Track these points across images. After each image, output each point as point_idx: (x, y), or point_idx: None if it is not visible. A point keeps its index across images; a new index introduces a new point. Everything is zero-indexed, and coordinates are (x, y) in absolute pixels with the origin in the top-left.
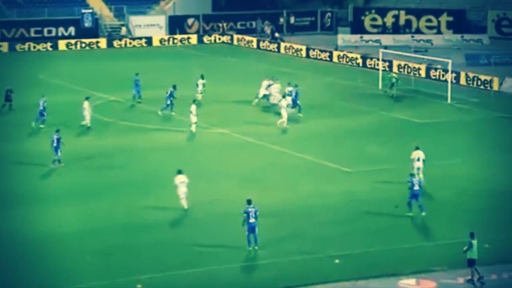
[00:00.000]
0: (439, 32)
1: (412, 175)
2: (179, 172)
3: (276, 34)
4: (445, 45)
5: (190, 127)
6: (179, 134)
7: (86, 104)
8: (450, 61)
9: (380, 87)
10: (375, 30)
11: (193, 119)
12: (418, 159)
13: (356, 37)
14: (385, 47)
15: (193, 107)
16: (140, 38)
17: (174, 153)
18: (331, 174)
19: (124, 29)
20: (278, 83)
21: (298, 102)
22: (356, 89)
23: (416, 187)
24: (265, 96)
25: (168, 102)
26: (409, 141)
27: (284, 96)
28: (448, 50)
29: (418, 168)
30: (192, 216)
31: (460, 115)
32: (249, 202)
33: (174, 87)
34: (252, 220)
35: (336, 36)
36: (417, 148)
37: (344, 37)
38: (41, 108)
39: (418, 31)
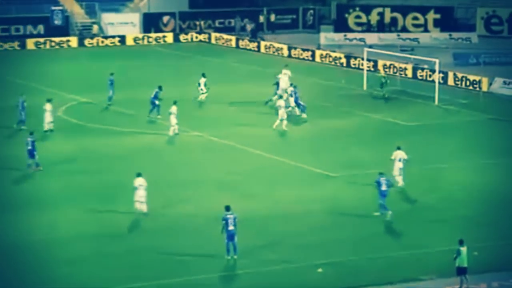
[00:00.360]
0: (426, 30)
1: (381, 174)
2: (138, 175)
3: (262, 39)
4: (432, 44)
5: (168, 130)
6: (156, 137)
7: (48, 106)
8: (437, 60)
9: (365, 87)
10: (359, 28)
11: (173, 121)
12: (400, 160)
13: (340, 35)
14: (370, 46)
15: (174, 109)
16: (113, 37)
17: (148, 158)
18: (314, 179)
19: (96, 27)
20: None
21: (300, 102)
22: (340, 90)
23: (384, 187)
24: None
25: (157, 103)
26: (395, 144)
27: (280, 97)
28: (436, 49)
29: (401, 169)
30: (168, 224)
31: (448, 117)
32: (227, 208)
33: (160, 88)
34: (231, 227)
35: (318, 34)
36: (398, 148)
37: (327, 36)
38: (20, 108)
39: (404, 29)
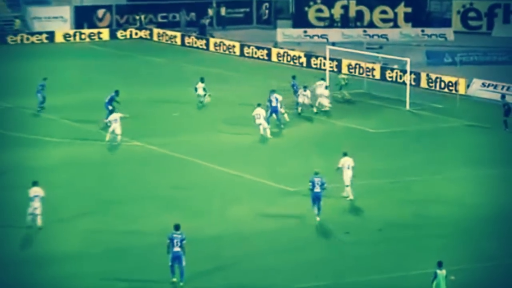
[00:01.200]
0: (395, 25)
1: (316, 174)
2: (34, 183)
3: (211, 36)
4: (402, 41)
5: (111, 139)
6: (92, 147)
7: None
8: (408, 59)
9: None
10: (321, 24)
11: (117, 130)
12: (349, 167)
13: (299, 31)
14: (333, 44)
15: (117, 115)
16: (40, 33)
17: (83, 171)
18: (271, 195)
19: (18, 21)
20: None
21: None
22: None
23: (317, 189)
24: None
25: (110, 108)
26: (362, 154)
27: (259, 105)
28: (406, 47)
29: (349, 177)
30: (109, 246)
31: (421, 123)
32: (176, 227)
33: (117, 92)
34: (176, 248)
35: (275, 30)
36: (345, 155)
37: (284, 32)
38: None
39: (371, 24)
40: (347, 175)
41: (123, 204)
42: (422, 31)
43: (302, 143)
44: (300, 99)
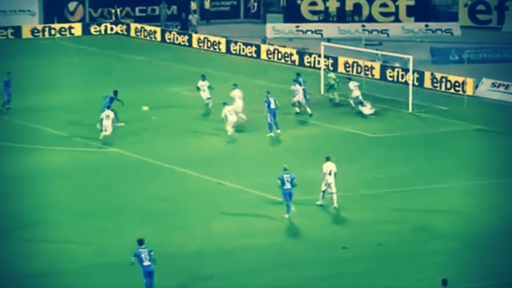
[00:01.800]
0: (397, 20)
1: (285, 170)
2: None
3: (195, 31)
4: (404, 37)
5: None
6: (61, 154)
7: None
8: (411, 57)
9: (322, 91)
10: (315, 18)
11: (108, 128)
12: (330, 173)
13: (291, 26)
14: (328, 40)
15: (111, 113)
16: (5, 28)
17: (52, 181)
18: (258, 206)
19: None
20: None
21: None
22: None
23: (287, 186)
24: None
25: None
26: (360, 161)
27: (224, 104)
28: (409, 43)
29: (330, 184)
30: (79, 264)
31: (425, 127)
32: (140, 242)
33: (115, 93)
34: (146, 263)
35: (264, 25)
36: (328, 159)
37: (275, 27)
38: None
39: (371, 18)
40: (327, 180)
41: (94, 218)
42: (426, 26)
43: (295, 148)
44: (296, 98)
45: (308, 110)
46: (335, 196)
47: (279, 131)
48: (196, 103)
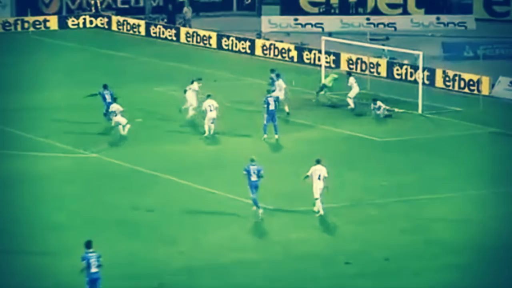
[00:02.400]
0: (405, 12)
1: (252, 160)
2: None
3: (183, 25)
4: (414, 31)
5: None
6: (36, 160)
7: None
8: (421, 53)
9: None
10: (315, 10)
11: (122, 120)
12: (319, 178)
13: (289, 19)
14: (330, 34)
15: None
16: None
17: (22, 188)
18: (251, 216)
19: None
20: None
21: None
22: (290, 94)
23: (254, 178)
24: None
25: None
26: (365, 168)
27: (209, 96)
28: (418, 37)
29: (320, 189)
30: (56, 282)
31: (436, 130)
32: (88, 245)
33: (105, 87)
34: (94, 269)
35: (259, 18)
36: (318, 162)
37: (271, 20)
38: None
39: (376, 11)
40: (317, 186)
41: (72, 230)
42: (438, 18)
43: (294, 153)
44: (278, 94)
45: (286, 108)
46: (319, 202)
47: (277, 136)
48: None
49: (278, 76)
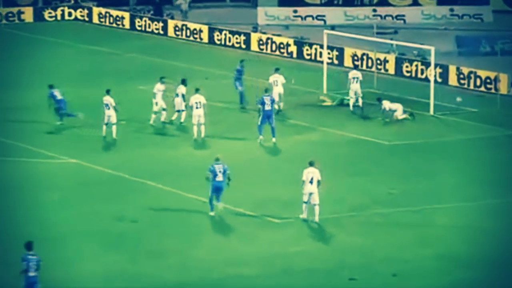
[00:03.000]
0: (415, 3)
1: (217, 160)
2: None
3: (171, 17)
4: (425, 24)
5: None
6: (9, 165)
7: None
8: (432, 48)
9: (325, 89)
10: (316, 1)
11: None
12: (312, 181)
13: (287, 11)
14: (332, 28)
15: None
16: None
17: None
18: (249, 227)
19: None
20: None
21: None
22: (289, 94)
23: (220, 178)
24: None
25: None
26: (370, 174)
27: (197, 91)
28: (430, 31)
29: (311, 194)
30: None
31: (449, 133)
32: (29, 247)
33: (51, 86)
34: (32, 273)
35: (255, 9)
36: (311, 164)
37: (268, 11)
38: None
39: (384, 2)
40: (308, 189)
41: (51, 242)
42: (451, 10)
43: (294, 158)
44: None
45: (280, 105)
46: (317, 208)
47: (274, 139)
48: (173, 104)
49: (277, 70)
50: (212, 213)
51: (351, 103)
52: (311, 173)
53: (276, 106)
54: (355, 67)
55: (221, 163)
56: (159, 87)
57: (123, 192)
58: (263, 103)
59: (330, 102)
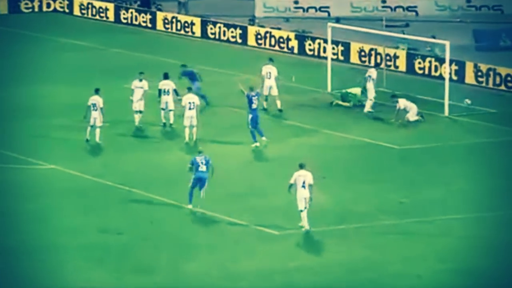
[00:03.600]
0: None
1: (199, 152)
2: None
3: (159, 9)
4: (439, 16)
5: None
6: None
7: None
8: (447, 43)
9: (329, 88)
10: None
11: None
12: (304, 186)
13: (287, 2)
14: (337, 20)
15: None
16: None
17: None
18: (246, 239)
19: None
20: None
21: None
22: (289, 93)
23: (203, 168)
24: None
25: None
26: (379, 181)
27: (189, 88)
28: (445, 24)
29: (306, 201)
30: None
31: (466, 136)
32: None
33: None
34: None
35: (252, 0)
36: (301, 167)
37: (266, 2)
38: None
39: None
40: (302, 196)
41: (24, 257)
42: (468, 1)
43: (294, 164)
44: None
45: (278, 104)
46: (304, 215)
47: (264, 138)
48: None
49: (270, 60)
50: (189, 206)
51: (368, 105)
52: (303, 176)
53: (264, 104)
54: (377, 65)
55: (203, 155)
56: (136, 83)
57: (108, 202)
58: (250, 101)
59: (345, 103)
